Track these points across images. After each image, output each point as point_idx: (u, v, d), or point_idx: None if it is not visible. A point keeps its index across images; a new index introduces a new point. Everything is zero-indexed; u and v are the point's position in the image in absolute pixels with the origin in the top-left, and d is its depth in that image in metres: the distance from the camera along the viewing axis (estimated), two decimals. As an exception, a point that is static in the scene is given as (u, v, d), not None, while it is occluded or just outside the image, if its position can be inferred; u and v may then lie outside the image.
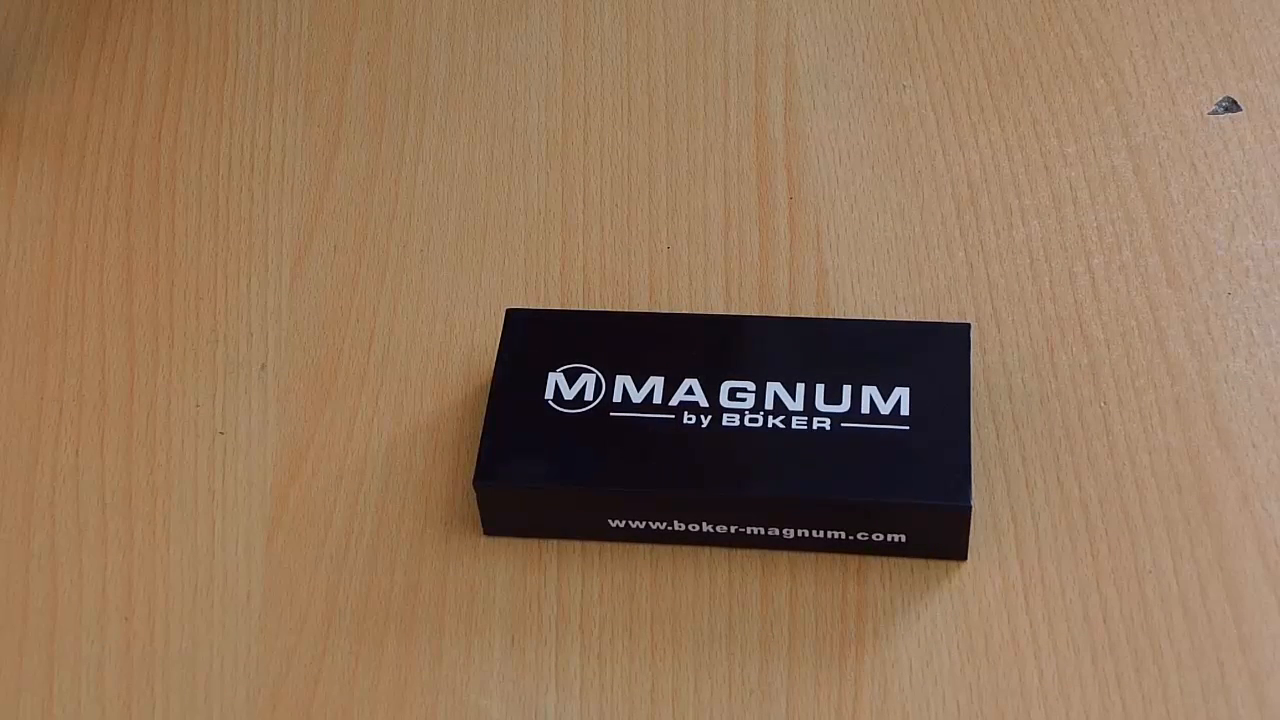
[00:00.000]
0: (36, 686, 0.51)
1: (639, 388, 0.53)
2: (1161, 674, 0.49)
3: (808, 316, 0.58)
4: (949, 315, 0.58)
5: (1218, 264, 0.58)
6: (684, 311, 0.58)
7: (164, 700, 0.51)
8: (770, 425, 0.52)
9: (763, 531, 0.52)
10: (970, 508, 0.50)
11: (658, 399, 0.53)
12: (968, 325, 0.54)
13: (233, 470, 0.56)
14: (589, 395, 0.53)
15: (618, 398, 0.53)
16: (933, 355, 0.53)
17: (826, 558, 0.52)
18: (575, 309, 0.59)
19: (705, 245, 0.60)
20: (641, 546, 0.53)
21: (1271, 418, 0.54)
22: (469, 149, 0.65)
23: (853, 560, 0.52)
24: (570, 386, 0.53)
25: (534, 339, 0.55)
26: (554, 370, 0.54)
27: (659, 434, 0.52)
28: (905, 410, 0.52)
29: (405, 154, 0.64)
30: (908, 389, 0.52)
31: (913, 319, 0.58)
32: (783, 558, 0.52)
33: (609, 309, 0.59)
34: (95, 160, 0.65)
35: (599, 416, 0.53)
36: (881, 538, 0.51)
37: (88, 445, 0.57)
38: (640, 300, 0.59)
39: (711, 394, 0.53)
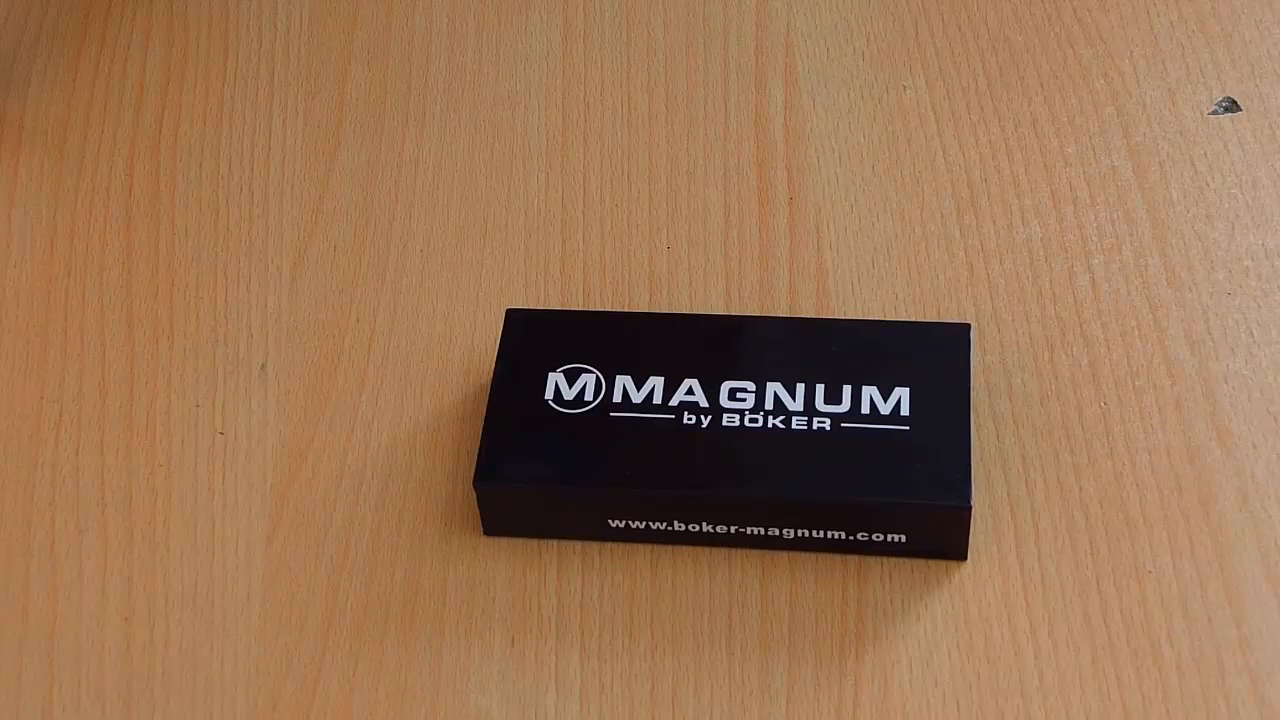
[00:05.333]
0: (36, 686, 0.51)
1: (639, 388, 0.53)
2: (1161, 674, 0.49)
3: (808, 316, 0.58)
4: (949, 315, 0.58)
5: (1218, 264, 0.58)
6: (684, 311, 0.58)
7: (164, 700, 0.51)
8: (770, 425, 0.52)
9: (763, 531, 0.52)
10: (970, 508, 0.50)
11: (658, 399, 0.53)
12: (968, 325, 0.54)
13: (233, 470, 0.56)
14: (589, 395, 0.53)
15: (618, 398, 0.53)
16: (933, 355, 0.53)
17: (826, 558, 0.52)
18: (575, 309, 0.59)
19: (705, 245, 0.60)
20: (641, 546, 0.53)
21: (1271, 418, 0.54)
22: (469, 149, 0.65)
23: (853, 560, 0.52)
24: (570, 386, 0.53)
25: (534, 339, 0.55)
26: (554, 370, 0.54)
27: (659, 434, 0.52)
28: (905, 410, 0.52)
29: (405, 154, 0.65)
30: (908, 389, 0.52)
31: (913, 319, 0.58)
32: (783, 558, 0.52)
33: (609, 309, 0.59)
34: (95, 160, 0.65)
35: (599, 416, 0.53)
36: (881, 538, 0.51)
37: (88, 445, 0.57)
38: (640, 300, 0.59)
39: (711, 394, 0.53)
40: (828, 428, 0.52)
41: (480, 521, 0.53)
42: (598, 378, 0.54)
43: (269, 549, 0.54)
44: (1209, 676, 0.49)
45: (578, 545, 0.53)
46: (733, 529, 0.52)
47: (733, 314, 0.58)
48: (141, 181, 0.64)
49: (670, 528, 0.52)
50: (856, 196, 0.62)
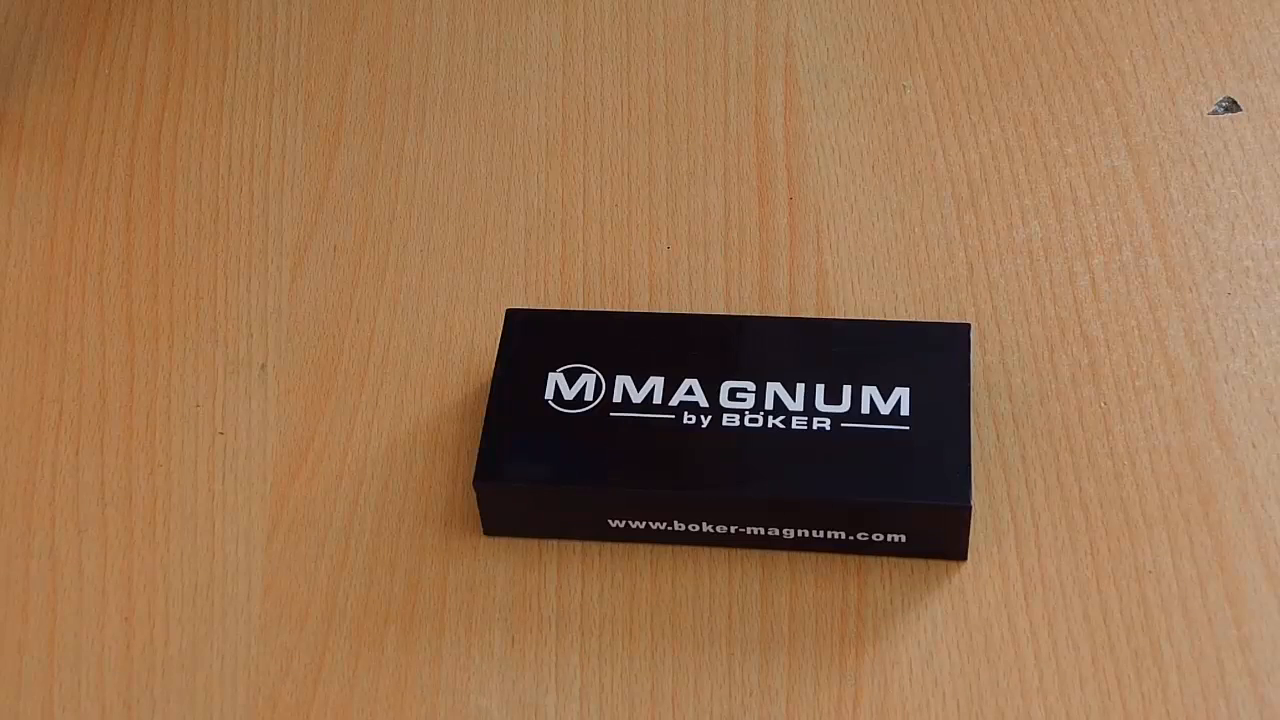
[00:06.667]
0: (36, 686, 0.51)
1: (639, 388, 0.53)
2: (1161, 674, 0.49)
3: (808, 316, 0.58)
4: (949, 315, 0.58)
5: (1218, 264, 0.58)
6: (684, 311, 0.58)
7: (164, 700, 0.51)
8: (770, 425, 0.52)
9: (763, 531, 0.52)
10: (970, 507, 0.50)
11: (658, 399, 0.53)
12: (968, 325, 0.54)
13: (233, 470, 0.56)
14: (589, 395, 0.53)
15: (618, 398, 0.53)
16: (933, 355, 0.53)
17: (826, 558, 0.52)
18: (575, 309, 0.59)
19: (705, 245, 0.60)
20: (641, 546, 0.53)
21: (1271, 417, 0.54)
22: (469, 149, 0.65)
23: (853, 560, 0.52)
24: (570, 386, 0.53)
25: (534, 339, 0.55)
26: (554, 370, 0.54)
27: (659, 434, 0.52)
28: (905, 410, 0.52)
29: (405, 154, 0.65)
30: (908, 389, 0.52)
31: (913, 319, 0.58)
32: (783, 558, 0.52)
33: (609, 309, 0.59)
34: (95, 160, 0.65)
35: (599, 416, 0.53)
36: (881, 538, 0.51)
37: (88, 445, 0.57)
38: (640, 300, 0.59)
39: (711, 394, 0.53)
40: (828, 428, 0.52)
41: (480, 521, 0.53)
42: (598, 378, 0.54)
43: (269, 549, 0.54)
44: (1209, 676, 0.49)
45: (578, 545, 0.53)
46: (733, 529, 0.52)
47: (733, 314, 0.58)
48: (141, 181, 0.64)
49: (670, 528, 0.52)
50: (856, 196, 0.62)
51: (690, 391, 0.53)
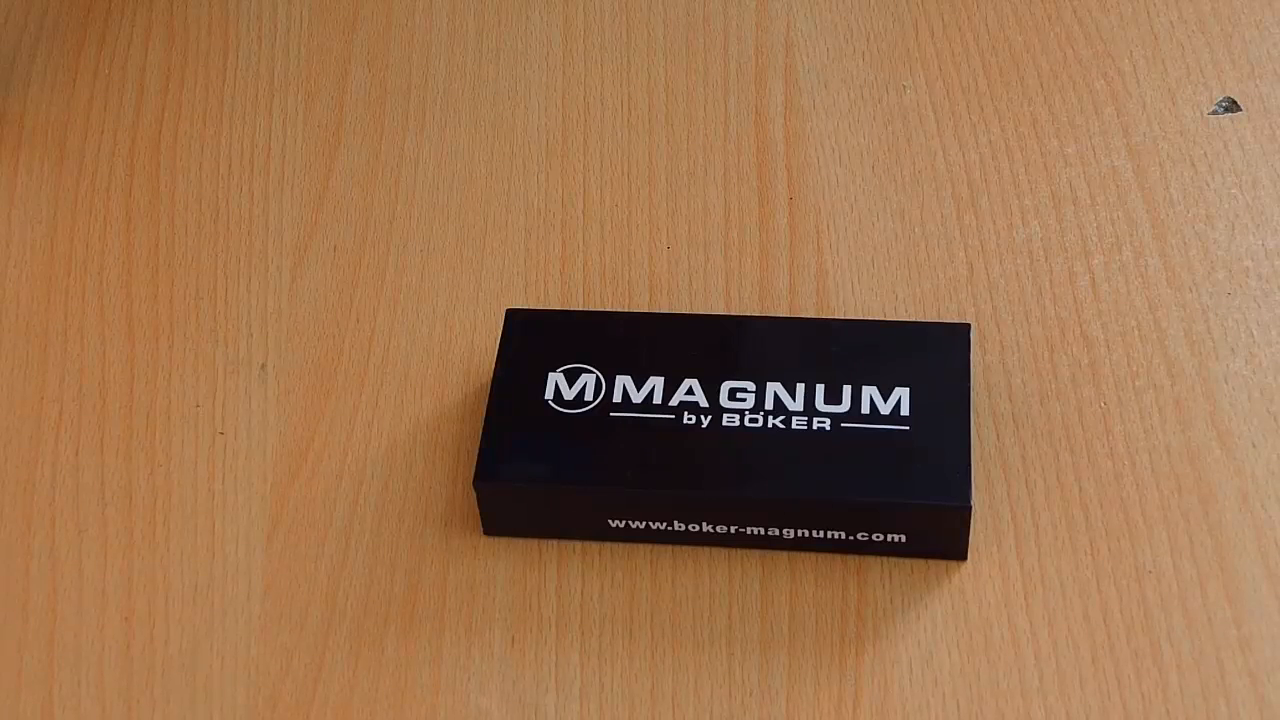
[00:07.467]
0: (36, 686, 0.51)
1: (639, 388, 0.53)
2: (1161, 674, 0.49)
3: (808, 316, 0.58)
4: (949, 315, 0.58)
5: (1218, 264, 0.58)
6: (684, 311, 0.58)
7: (164, 700, 0.51)
8: (770, 425, 0.52)
9: (763, 531, 0.52)
10: (970, 507, 0.50)
11: (658, 399, 0.53)
12: (968, 325, 0.54)
13: (233, 470, 0.56)
14: (589, 395, 0.53)
15: (618, 398, 0.53)
16: (933, 355, 0.53)
17: (826, 558, 0.52)
18: (575, 309, 0.59)
19: (705, 245, 0.60)
20: (641, 546, 0.53)
21: (1271, 417, 0.54)
22: (469, 149, 0.65)
23: (853, 560, 0.52)
24: (570, 386, 0.53)
25: (534, 339, 0.55)
26: (554, 370, 0.54)
27: (659, 434, 0.52)
28: (905, 410, 0.52)
29: (405, 154, 0.65)
30: (908, 389, 0.52)
31: (913, 319, 0.58)
32: (783, 558, 0.52)
33: (609, 309, 0.59)
34: (95, 160, 0.65)
35: (599, 416, 0.53)
36: (881, 538, 0.51)
37: (88, 445, 0.57)
38: (640, 300, 0.59)
39: (711, 394, 0.53)
40: (828, 428, 0.52)
41: (480, 521, 0.53)
42: (598, 378, 0.54)
43: (269, 549, 0.54)
44: (1209, 676, 0.49)
45: (578, 545, 0.53)
46: (733, 529, 0.52)
47: (733, 314, 0.58)
48: (141, 181, 0.64)
49: (670, 528, 0.52)
50: (856, 196, 0.62)
51: (690, 391, 0.53)
